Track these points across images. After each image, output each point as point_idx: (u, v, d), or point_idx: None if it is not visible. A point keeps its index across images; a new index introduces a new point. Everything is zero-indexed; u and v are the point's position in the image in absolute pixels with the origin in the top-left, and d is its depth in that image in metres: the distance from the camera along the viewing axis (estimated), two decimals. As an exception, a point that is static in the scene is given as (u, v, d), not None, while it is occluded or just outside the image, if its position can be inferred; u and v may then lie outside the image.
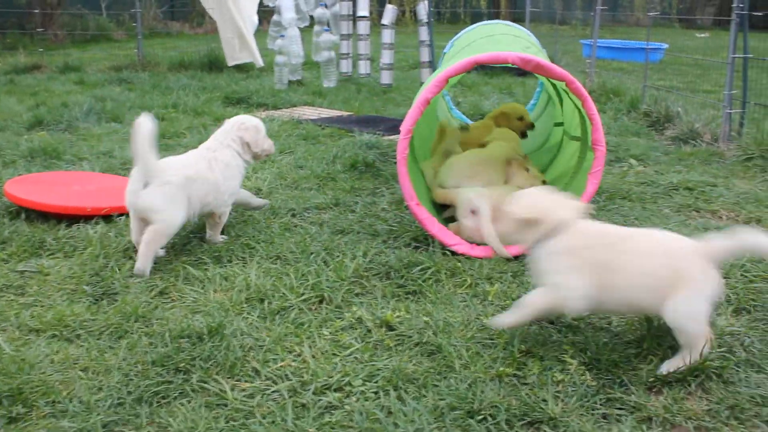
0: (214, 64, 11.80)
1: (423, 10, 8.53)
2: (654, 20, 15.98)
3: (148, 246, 3.79)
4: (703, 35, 20.03)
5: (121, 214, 4.57)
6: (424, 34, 8.96)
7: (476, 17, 26.68)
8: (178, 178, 3.98)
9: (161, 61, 12.20)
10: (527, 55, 4.15)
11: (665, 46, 14.45)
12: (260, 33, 16.01)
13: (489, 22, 7.06)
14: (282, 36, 9.44)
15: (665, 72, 12.19)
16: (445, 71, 4.14)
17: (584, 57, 12.94)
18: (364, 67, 8.83)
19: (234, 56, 10.72)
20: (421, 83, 8.51)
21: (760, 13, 6.39)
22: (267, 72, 11.48)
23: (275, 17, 9.59)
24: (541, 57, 4.56)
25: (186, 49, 13.53)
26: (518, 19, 21.65)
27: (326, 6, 9.07)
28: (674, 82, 10.70)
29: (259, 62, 10.77)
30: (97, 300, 3.54)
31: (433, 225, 4.10)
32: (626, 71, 12.51)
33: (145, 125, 3.81)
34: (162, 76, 11.07)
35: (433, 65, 9.01)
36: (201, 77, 10.97)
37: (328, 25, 9.05)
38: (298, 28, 9.90)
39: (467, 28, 7.05)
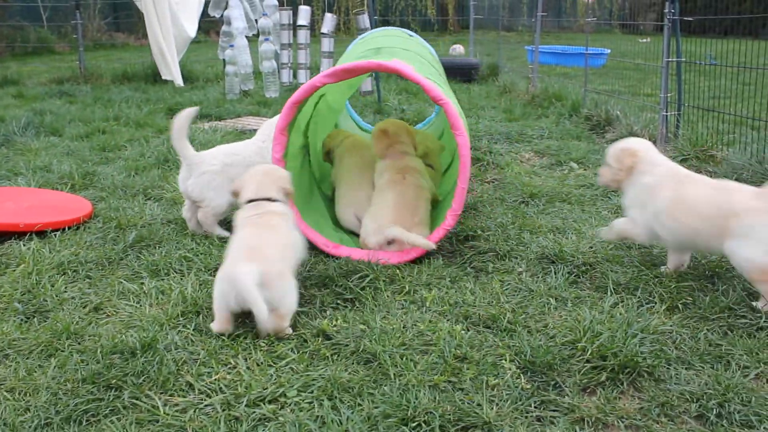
0: (159, 75, 11.63)
1: (365, 19, 8.54)
2: (596, 26, 16.28)
3: (204, 226, 4.47)
4: (645, 40, 20.41)
5: (55, 230, 4.48)
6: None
7: (425, 25, 26.90)
8: (216, 166, 4.47)
9: (104, 73, 12.01)
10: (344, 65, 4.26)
11: (607, 51, 14.71)
12: (209, 43, 15.91)
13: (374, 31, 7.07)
14: (231, 46, 9.36)
15: (607, 76, 12.41)
16: (292, 97, 4.25)
17: (529, 63, 13.11)
18: (304, 76, 8.82)
19: (163, 71, 10.59)
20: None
21: (690, 18, 6.54)
22: (212, 83, 11.39)
23: (224, 27, 9.50)
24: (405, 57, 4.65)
25: (130, 61, 13.33)
26: (465, 26, 21.87)
27: (267, 15, 9.03)
28: (616, 86, 10.86)
29: (178, 82, 10.62)
30: (28, 318, 3.45)
31: (359, 254, 4.09)
32: (569, 76, 12.72)
33: (179, 117, 4.33)
34: (105, 89, 10.90)
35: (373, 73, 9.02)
36: (145, 89, 10.83)
37: (268, 34, 9.00)
38: (246, 37, 9.82)
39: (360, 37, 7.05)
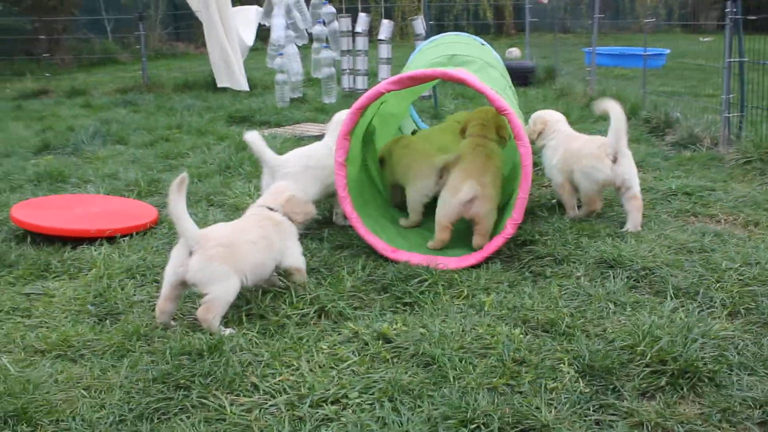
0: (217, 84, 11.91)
1: (420, 24, 8.62)
2: (655, 26, 16.03)
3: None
4: (706, 39, 20.01)
5: (124, 235, 4.66)
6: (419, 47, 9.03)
7: (481, 29, 26.82)
8: (297, 167, 4.64)
9: (166, 82, 12.35)
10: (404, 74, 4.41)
11: (667, 51, 14.48)
12: (260, 52, 16.18)
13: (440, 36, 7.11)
14: (281, 54, 9.54)
15: (668, 77, 12.21)
16: (356, 102, 4.40)
17: (586, 65, 12.99)
18: (362, 82, 8.94)
19: (221, 78, 10.82)
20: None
21: (753, 17, 6.41)
22: (271, 89, 11.57)
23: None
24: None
25: (190, 70, 13.68)
26: (521, 29, 21.77)
27: (324, 23, 9.18)
28: (676, 87, 10.73)
29: (244, 87, 10.84)
30: (101, 320, 3.60)
31: (417, 258, 4.15)
32: (628, 78, 12.54)
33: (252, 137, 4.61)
34: (167, 98, 11.20)
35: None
36: (205, 97, 11.09)
37: (327, 41, 9.15)
38: (297, 45, 9.99)
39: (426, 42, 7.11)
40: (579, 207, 4.90)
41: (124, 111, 10.21)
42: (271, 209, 3.83)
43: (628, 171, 4.64)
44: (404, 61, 7.17)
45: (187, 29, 19.65)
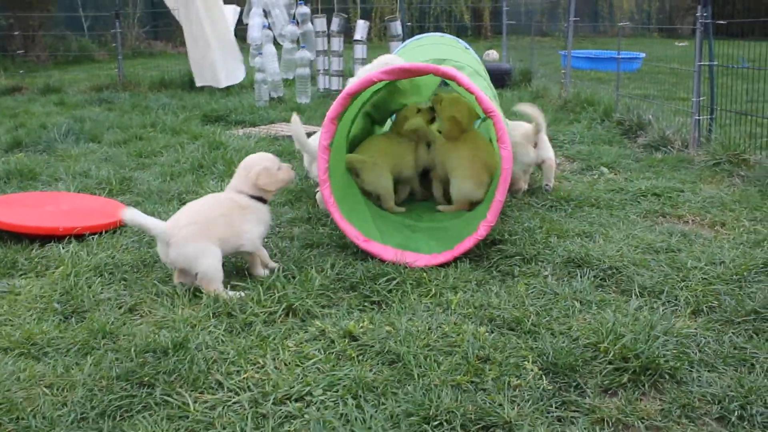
0: (195, 82, 11.86)
1: (398, 25, 8.63)
2: (631, 30, 16.15)
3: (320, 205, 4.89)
4: (682, 44, 20.21)
5: (93, 234, 4.62)
6: (396, 49, 9.05)
7: (459, 30, 26.90)
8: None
9: (142, 80, 12.27)
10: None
11: (642, 55, 14.61)
12: (244, 51, 16.13)
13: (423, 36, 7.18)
14: (260, 53, 9.52)
15: (642, 81, 12.31)
16: (348, 87, 4.42)
17: (562, 68, 13.07)
18: (337, 83, 8.93)
19: (200, 78, 10.79)
20: None
21: (723, 22, 6.50)
22: (247, 89, 11.54)
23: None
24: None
25: (167, 68, 13.60)
26: (499, 32, 21.88)
27: (297, 23, 9.18)
28: (650, 90, 10.82)
29: (238, 78, 10.82)
30: (66, 318, 3.57)
31: (388, 252, 4.16)
32: (603, 81, 12.61)
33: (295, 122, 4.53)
34: (142, 96, 11.13)
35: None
36: (181, 96, 11.04)
37: (298, 42, 9.16)
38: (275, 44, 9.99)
39: (412, 39, 7.17)
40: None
41: (98, 109, 10.13)
42: (239, 192, 3.98)
43: (546, 151, 5.49)
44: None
45: (165, 27, 19.53)
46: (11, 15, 15.50)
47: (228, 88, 11.60)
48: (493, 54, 17.80)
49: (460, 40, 6.99)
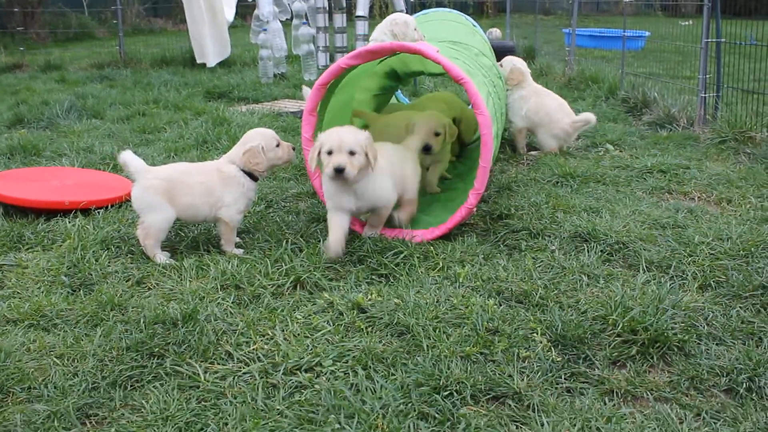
0: (195, 60, 11.81)
1: (400, 1, 8.55)
2: (637, 9, 16.05)
3: None
4: (686, 23, 20.11)
5: (99, 208, 4.62)
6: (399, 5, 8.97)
7: (462, 7, 26.73)
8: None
9: (143, 57, 12.21)
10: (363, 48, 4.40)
11: (647, 33, 14.51)
12: (246, 28, 16.03)
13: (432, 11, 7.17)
14: (264, 30, 9.46)
15: (646, 59, 12.21)
16: (319, 78, 4.40)
17: (566, 46, 13.00)
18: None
19: (200, 55, 10.74)
20: None
21: (731, -2, 6.45)
22: (250, 66, 11.50)
23: (256, 11, 9.61)
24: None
25: (168, 46, 13.51)
26: (502, 9, 21.75)
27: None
28: (654, 69, 10.74)
29: (209, 62, 10.78)
30: (74, 290, 3.58)
31: (389, 231, 4.17)
32: (607, 59, 12.58)
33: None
34: (144, 73, 11.08)
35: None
36: (183, 73, 10.98)
37: (306, 18, 9.09)
38: (280, 20, 9.92)
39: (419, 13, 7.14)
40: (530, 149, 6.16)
41: (100, 86, 10.08)
42: (231, 162, 4.07)
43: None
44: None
45: (165, 4, 19.39)
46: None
47: (230, 65, 11.55)
48: (496, 32, 17.69)
49: (467, 17, 6.95)
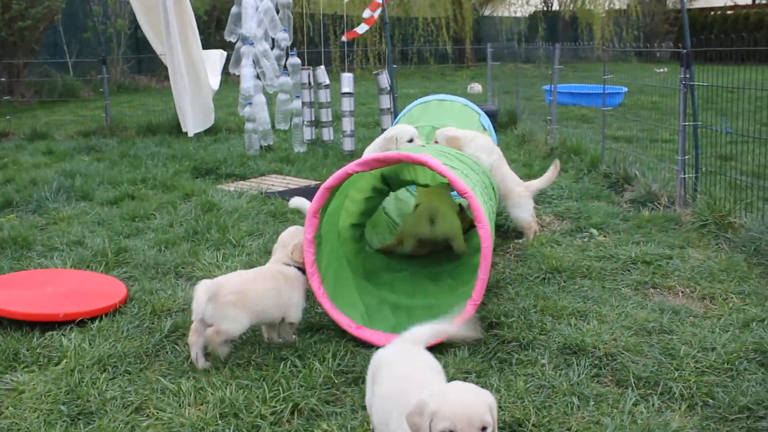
0: (181, 127, 11.91)
1: (384, 78, 8.78)
2: (611, 55, 16.38)
3: None
4: (661, 70, 20.53)
5: (94, 319, 4.66)
6: (385, 101, 9.20)
7: (442, 57, 27.21)
8: None
9: (129, 124, 12.32)
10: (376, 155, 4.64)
11: (624, 90, 14.84)
12: (230, 84, 16.19)
13: (436, 98, 7.37)
14: (249, 104, 9.63)
15: (624, 119, 12.45)
16: (326, 182, 4.59)
17: (547, 103, 13.23)
18: (327, 134, 9.09)
19: (185, 125, 10.84)
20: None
21: (704, 84, 6.65)
22: (235, 135, 11.62)
23: (242, 84, 9.80)
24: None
25: (153, 107, 13.65)
26: (482, 58, 22.17)
27: (288, 74, 9.34)
28: (633, 131, 10.98)
29: (189, 131, 10.84)
30: (73, 420, 3.61)
31: (379, 338, 4.28)
32: (587, 119, 12.87)
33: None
34: (130, 143, 11.17)
35: (394, 112, 9.20)
36: (169, 142, 11.10)
37: (287, 92, 9.33)
38: (268, 93, 10.09)
39: (417, 101, 7.33)
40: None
41: (87, 158, 10.16)
42: (285, 264, 4.38)
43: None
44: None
45: (149, 63, 19.59)
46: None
47: (216, 132, 11.68)
48: (476, 87, 18.03)
49: (468, 102, 7.16)
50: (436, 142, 6.05)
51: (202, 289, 3.97)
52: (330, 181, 4.54)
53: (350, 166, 4.54)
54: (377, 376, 3.03)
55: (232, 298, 4.07)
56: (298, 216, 6.96)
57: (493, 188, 5.64)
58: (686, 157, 6.79)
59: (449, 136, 6.01)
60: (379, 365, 3.08)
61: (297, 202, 4.95)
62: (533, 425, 3.41)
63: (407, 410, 2.56)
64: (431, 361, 3.07)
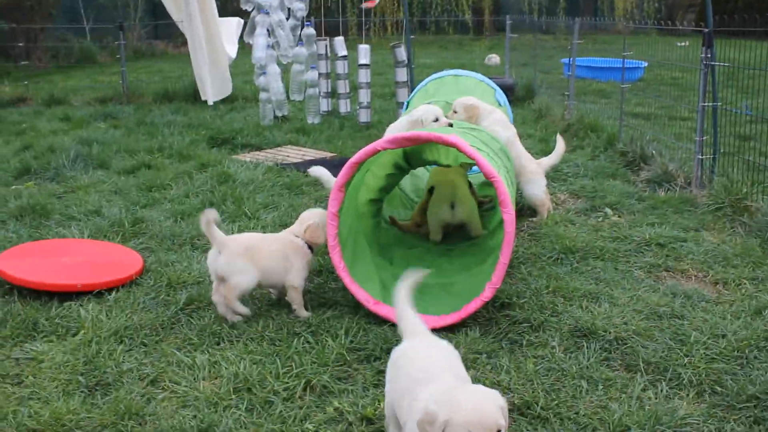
0: (198, 95, 11.93)
1: (402, 51, 8.74)
2: (633, 29, 16.15)
3: None
4: (682, 44, 20.26)
5: (111, 290, 4.73)
6: (402, 74, 9.17)
7: (461, 27, 26.93)
8: None
9: (145, 91, 12.33)
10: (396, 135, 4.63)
11: (644, 64, 14.65)
12: (246, 51, 16.18)
13: (451, 73, 7.33)
14: (264, 73, 9.62)
15: (644, 95, 12.33)
16: (353, 157, 4.60)
17: (566, 77, 13.09)
18: (344, 105, 9.09)
19: (204, 93, 10.87)
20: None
21: (726, 64, 6.57)
22: (252, 105, 11.60)
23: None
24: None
25: (170, 74, 13.65)
26: (501, 28, 21.91)
27: (304, 44, 9.33)
28: (652, 108, 10.86)
29: (209, 100, 10.89)
30: (90, 391, 3.70)
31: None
32: (605, 94, 12.74)
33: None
34: (147, 110, 11.21)
35: (411, 85, 9.17)
36: (186, 110, 11.11)
37: (302, 62, 9.33)
38: (282, 63, 10.08)
39: (432, 77, 7.30)
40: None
41: (103, 125, 10.21)
42: (296, 236, 4.61)
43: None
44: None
45: (165, 29, 19.53)
46: (14, 26, 15.44)
47: (232, 101, 11.69)
48: (495, 59, 17.87)
49: (483, 77, 7.13)
50: (455, 111, 6.04)
51: (215, 244, 4.33)
52: (358, 156, 4.56)
53: (379, 143, 4.55)
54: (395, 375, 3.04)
55: (242, 250, 4.35)
56: (313, 188, 6.99)
57: (511, 171, 5.63)
58: (704, 138, 6.73)
59: (468, 104, 6.02)
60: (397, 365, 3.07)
61: (317, 171, 5.02)
62: (542, 408, 3.45)
63: (417, 417, 2.53)
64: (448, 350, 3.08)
